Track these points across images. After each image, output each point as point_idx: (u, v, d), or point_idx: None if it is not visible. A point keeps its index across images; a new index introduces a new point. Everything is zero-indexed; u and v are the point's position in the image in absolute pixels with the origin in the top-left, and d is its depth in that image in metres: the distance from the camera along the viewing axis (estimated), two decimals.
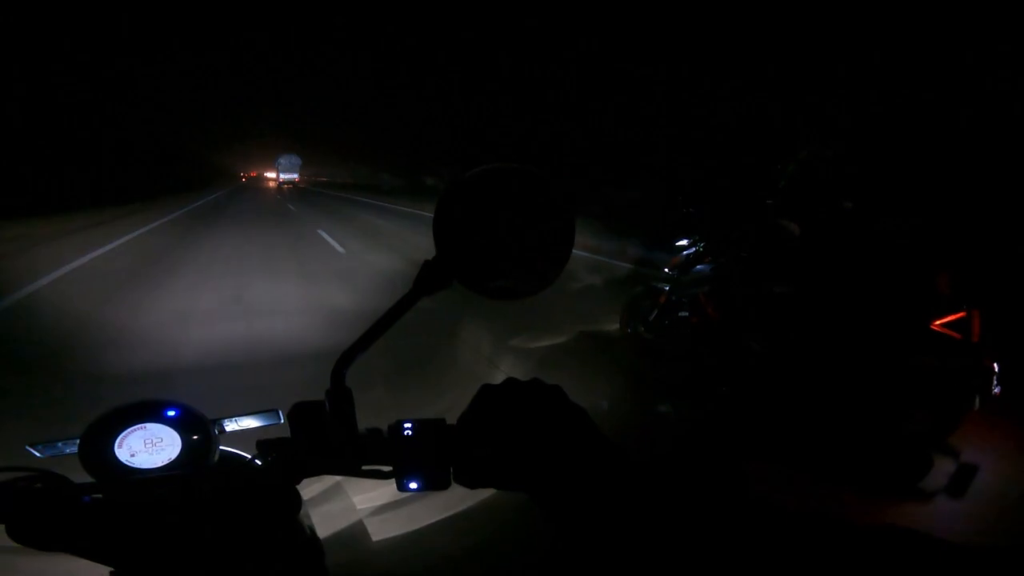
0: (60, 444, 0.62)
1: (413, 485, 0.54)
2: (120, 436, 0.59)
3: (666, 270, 3.40)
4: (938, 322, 2.37)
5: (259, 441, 0.59)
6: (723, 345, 2.94)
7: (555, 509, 0.45)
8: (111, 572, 0.56)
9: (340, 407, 0.56)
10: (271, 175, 75.57)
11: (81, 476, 0.59)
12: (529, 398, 0.51)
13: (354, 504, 1.76)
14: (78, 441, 0.60)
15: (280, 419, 0.70)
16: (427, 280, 0.53)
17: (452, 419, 0.56)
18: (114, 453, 0.58)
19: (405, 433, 0.55)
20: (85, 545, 0.54)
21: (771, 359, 2.71)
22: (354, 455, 0.56)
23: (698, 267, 3.21)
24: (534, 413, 0.50)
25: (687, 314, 3.19)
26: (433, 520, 1.76)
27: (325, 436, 0.56)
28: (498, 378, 0.59)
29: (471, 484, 0.52)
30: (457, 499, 1.80)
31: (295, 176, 55.22)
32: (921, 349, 2.35)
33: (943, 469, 2.25)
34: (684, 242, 3.31)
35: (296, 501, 0.61)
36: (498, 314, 4.14)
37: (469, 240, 0.50)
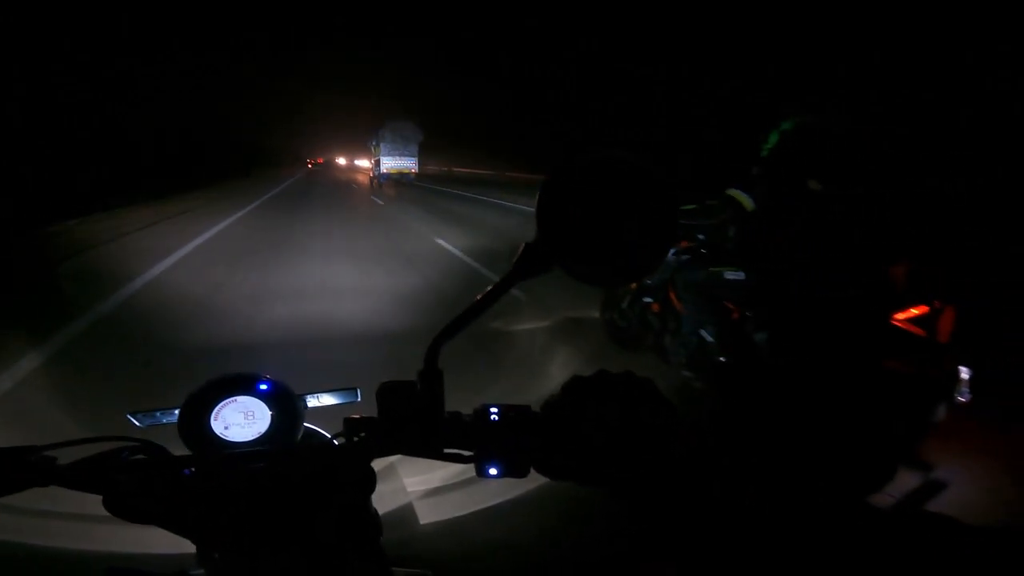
0: (159, 414, 0.64)
1: (493, 471, 0.55)
2: (216, 408, 0.61)
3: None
4: (899, 316, 2.13)
5: (347, 419, 0.60)
6: (684, 335, 2.78)
7: (639, 508, 0.46)
8: (196, 549, 0.57)
9: (431, 388, 0.56)
10: (362, 162, 41.45)
11: (177, 447, 0.61)
12: (620, 392, 0.51)
13: (405, 486, 1.82)
14: (176, 412, 0.62)
15: (358, 397, 0.72)
16: (526, 264, 0.53)
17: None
18: (210, 425, 0.60)
19: (491, 418, 0.56)
20: (175, 519, 0.55)
21: (730, 351, 2.56)
22: (438, 437, 0.57)
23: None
24: (624, 409, 0.50)
25: (651, 300, 3.11)
26: (479, 508, 1.79)
27: (414, 417, 0.56)
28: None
29: (551, 475, 0.53)
30: (504, 489, 1.83)
31: (411, 164, 25.58)
32: (886, 348, 2.13)
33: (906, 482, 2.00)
34: None
35: (371, 480, 0.61)
36: None
37: (571, 225, 0.50)
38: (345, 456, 0.60)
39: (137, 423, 0.64)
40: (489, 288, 0.54)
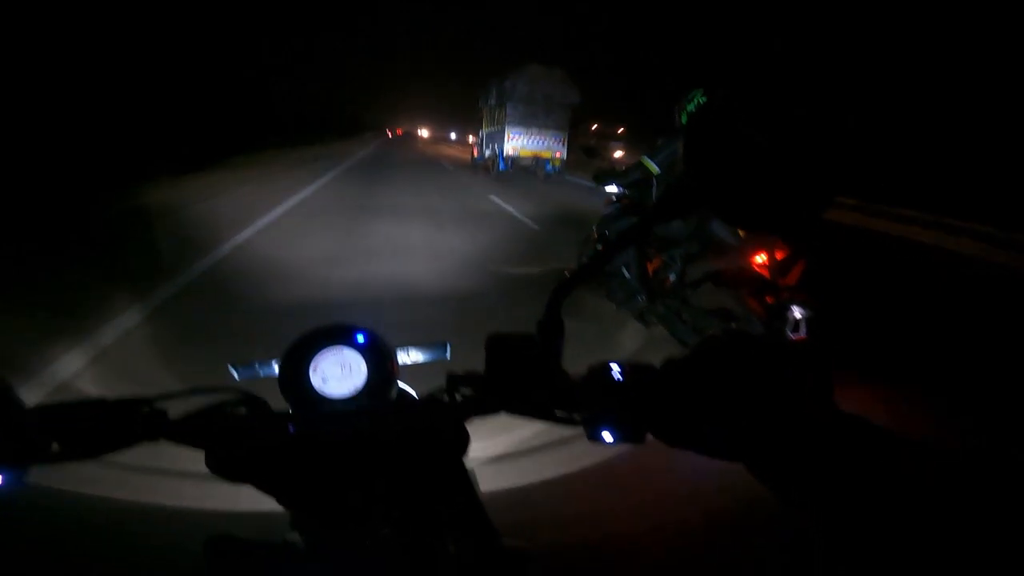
0: (257, 366, 0.63)
1: (607, 435, 0.49)
2: (314, 359, 0.58)
3: (605, 212, 3.78)
4: (755, 260, 2.60)
5: (449, 374, 0.57)
6: (615, 275, 3.34)
7: (782, 485, 0.40)
8: (290, 511, 0.56)
9: (551, 341, 0.51)
10: (461, 138, 30.48)
11: (273, 400, 0.59)
12: (762, 358, 0.45)
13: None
14: (274, 364, 0.61)
15: (447, 354, 0.69)
16: (670, 203, 0.47)
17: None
18: (309, 378, 0.58)
19: (615, 379, 0.49)
20: (271, 479, 0.54)
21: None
22: (551, 397, 0.52)
23: (612, 208, 3.67)
24: (764, 376, 0.44)
25: (600, 246, 3.73)
26: (540, 479, 1.78)
27: (527, 373, 0.51)
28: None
29: (671, 442, 0.47)
30: (567, 460, 1.82)
31: (556, 144, 12.23)
32: (746, 285, 2.55)
33: None
34: (613, 187, 3.68)
35: (465, 439, 0.57)
36: None
37: (724, 163, 0.44)
38: (444, 414, 0.56)
39: (236, 375, 0.64)
40: (621, 232, 0.50)
